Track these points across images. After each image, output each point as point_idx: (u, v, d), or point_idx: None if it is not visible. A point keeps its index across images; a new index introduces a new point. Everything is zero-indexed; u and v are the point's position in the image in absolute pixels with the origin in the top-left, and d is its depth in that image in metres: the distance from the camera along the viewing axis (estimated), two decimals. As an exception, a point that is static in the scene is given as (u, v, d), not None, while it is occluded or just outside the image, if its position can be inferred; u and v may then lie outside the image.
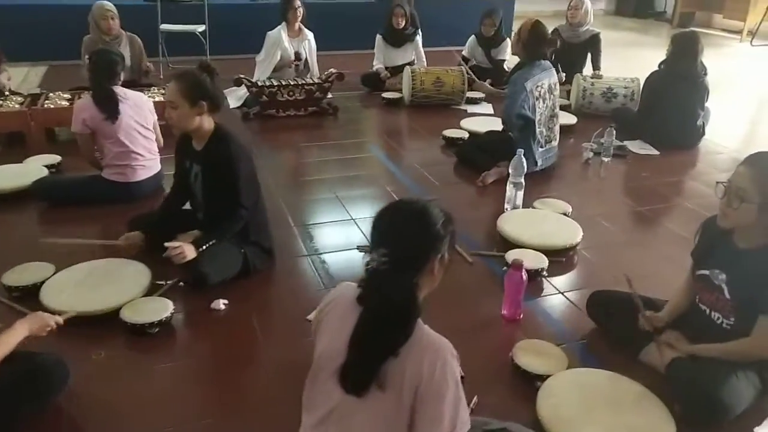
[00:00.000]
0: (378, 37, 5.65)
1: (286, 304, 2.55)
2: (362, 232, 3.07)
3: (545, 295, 2.59)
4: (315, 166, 4.01)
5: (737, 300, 1.93)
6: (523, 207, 3.26)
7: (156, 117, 3.53)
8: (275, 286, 2.67)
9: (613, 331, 2.27)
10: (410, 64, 5.68)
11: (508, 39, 5.69)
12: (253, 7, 7.10)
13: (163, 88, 4.54)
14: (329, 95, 5.31)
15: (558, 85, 3.83)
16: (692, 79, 4.25)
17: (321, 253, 2.89)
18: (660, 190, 3.70)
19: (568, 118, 4.77)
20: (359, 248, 2.89)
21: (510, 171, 3.24)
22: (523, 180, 3.23)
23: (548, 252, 2.79)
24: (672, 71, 4.29)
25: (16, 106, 4.11)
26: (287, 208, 3.32)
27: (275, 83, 4.76)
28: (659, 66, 4.40)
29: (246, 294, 2.53)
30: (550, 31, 5.27)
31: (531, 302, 2.52)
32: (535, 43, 3.64)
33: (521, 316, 2.41)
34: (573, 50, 5.40)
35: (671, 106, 4.28)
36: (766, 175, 1.80)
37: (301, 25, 5.15)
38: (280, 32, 5.07)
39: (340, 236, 3.09)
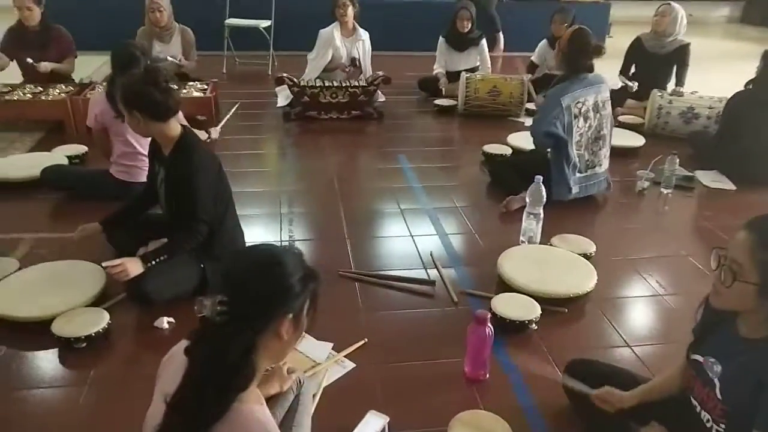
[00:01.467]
0: (440, 39, 5.32)
1: None
2: (349, 255, 2.81)
3: (528, 353, 2.20)
4: (328, 174, 3.75)
5: (729, 404, 1.48)
6: (540, 242, 2.86)
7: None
8: None
9: (586, 415, 1.85)
10: (474, 70, 5.31)
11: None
12: (321, 2, 6.95)
13: (207, 84, 4.51)
14: (381, 98, 5.09)
15: (609, 102, 3.34)
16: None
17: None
18: (725, 235, 3.12)
19: (635, 140, 4.22)
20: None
21: (527, 199, 2.84)
22: (541, 211, 2.82)
23: (547, 300, 2.39)
24: (759, 93, 3.65)
25: (62, 95, 4.21)
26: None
27: (318, 84, 4.58)
28: (745, 86, 3.77)
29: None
30: (633, 39, 4.93)
31: (506, 359, 2.15)
32: (576, 54, 3.19)
33: (486, 376, 2.05)
34: (656, 62, 4.79)
35: (754, 133, 3.65)
36: None
37: (355, 23, 4.94)
38: (333, 31, 4.88)
39: (321, 255, 2.84)
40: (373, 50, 5.58)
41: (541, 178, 2.81)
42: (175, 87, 2.44)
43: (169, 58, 4.60)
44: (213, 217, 2.40)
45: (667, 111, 4.41)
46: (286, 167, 3.91)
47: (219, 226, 2.45)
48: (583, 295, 2.46)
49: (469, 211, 3.28)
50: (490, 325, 1.98)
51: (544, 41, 5.29)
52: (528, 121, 4.71)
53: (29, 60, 4.32)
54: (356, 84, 4.61)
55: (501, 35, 7.17)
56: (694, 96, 4.47)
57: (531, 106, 4.88)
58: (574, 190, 3.27)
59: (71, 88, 4.36)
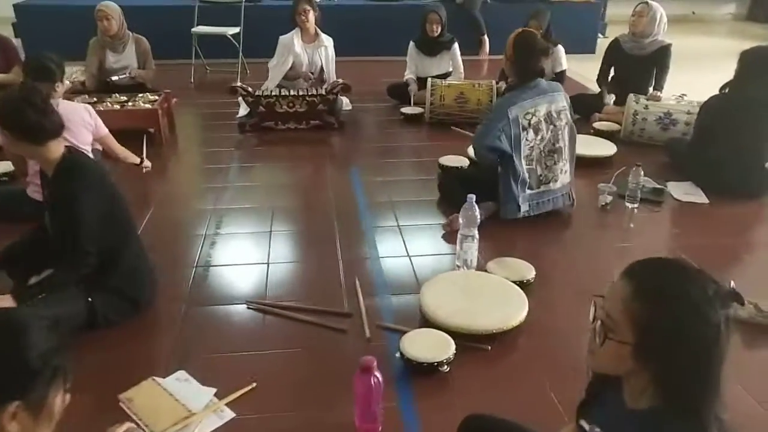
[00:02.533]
0: (411, 44, 5.07)
1: (108, 375, 2.07)
2: (266, 282, 2.58)
3: (435, 401, 1.95)
4: (269, 191, 3.50)
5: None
6: (478, 267, 2.61)
7: (106, 131, 3.27)
8: (115, 347, 2.20)
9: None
10: (446, 75, 5.07)
11: (560, 45, 4.89)
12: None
13: (159, 94, 4.32)
14: (348, 107, 4.88)
15: (567, 111, 3.07)
16: (760, 109, 3.30)
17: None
18: (695, 256, 2.82)
19: (606, 148, 3.94)
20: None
21: (460, 220, 2.58)
22: (476, 233, 2.56)
23: (470, 336, 2.14)
24: (735, 96, 3.36)
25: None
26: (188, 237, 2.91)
27: (274, 93, 4.36)
28: (721, 89, 3.47)
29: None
30: (611, 40, 4.64)
31: (409, 408, 1.90)
32: (523, 57, 2.94)
33: (379, 429, 1.80)
34: (635, 65, 4.50)
35: (730, 140, 3.35)
36: (651, 298, 1.09)
37: (317, 29, 4.72)
38: (293, 37, 4.66)
39: (234, 282, 2.61)
40: (342, 55, 5.34)
41: (473, 197, 2.55)
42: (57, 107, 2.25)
43: (117, 77, 4.43)
44: (105, 247, 2.20)
45: (643, 117, 4.12)
46: (225, 183, 3.65)
47: (114, 256, 2.24)
48: (512, 329, 2.20)
49: (411, 231, 3.03)
50: (377, 373, 1.73)
51: (520, 44, 5.02)
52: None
53: None
54: (314, 93, 4.38)
55: (486, 38, 6.91)
56: (672, 101, 4.18)
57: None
58: (524, 208, 3.01)
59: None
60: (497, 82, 4.90)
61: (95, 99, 4.25)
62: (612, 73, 4.75)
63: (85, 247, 2.13)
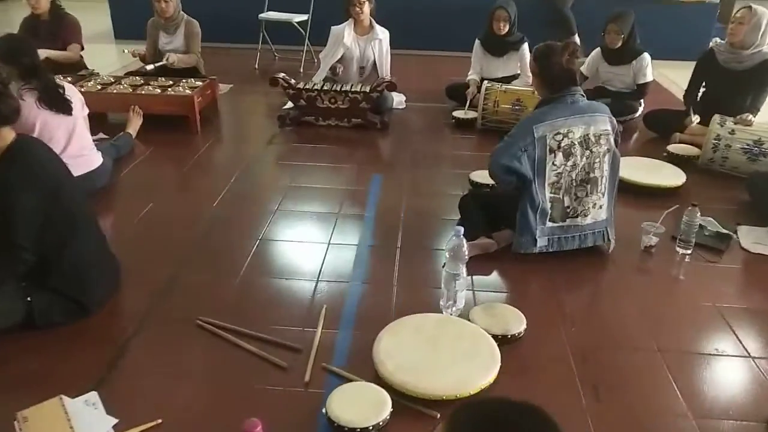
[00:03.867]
0: (476, 42, 4.67)
1: (24, 385, 1.92)
2: (228, 298, 2.37)
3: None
4: (276, 194, 3.26)
5: None
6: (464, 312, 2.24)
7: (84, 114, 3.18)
8: (47, 353, 2.05)
9: None
10: (513, 78, 4.63)
11: (646, 54, 4.30)
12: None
13: (204, 80, 4.24)
14: (401, 106, 4.59)
15: (610, 137, 2.59)
16: None
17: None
18: (737, 323, 2.31)
19: (672, 177, 3.37)
20: None
21: (446, 254, 2.22)
22: (463, 271, 2.20)
23: (418, 399, 1.81)
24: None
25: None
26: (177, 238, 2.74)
27: (316, 87, 4.14)
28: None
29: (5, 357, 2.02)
30: (704, 52, 4.00)
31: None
32: (546, 66, 2.52)
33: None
34: (730, 80, 3.84)
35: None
36: None
37: (372, 21, 4.44)
38: (345, 28, 4.41)
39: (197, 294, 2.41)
40: (408, 48, 5.04)
41: (461, 229, 2.18)
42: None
43: (152, 66, 4.38)
44: (46, 243, 2.07)
45: (726, 143, 3.50)
46: (237, 183, 3.44)
47: (55, 256, 2.12)
48: (467, 397, 1.83)
49: (409, 255, 2.69)
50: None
51: (598, 50, 4.47)
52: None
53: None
54: (357, 90, 4.11)
55: (577, 38, 6.29)
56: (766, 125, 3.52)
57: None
58: (541, 242, 2.59)
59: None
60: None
61: (142, 81, 4.24)
62: (703, 88, 4.10)
63: (19, 240, 2.01)
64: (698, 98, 4.09)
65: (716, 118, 3.59)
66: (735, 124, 3.53)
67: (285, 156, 3.83)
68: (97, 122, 3.91)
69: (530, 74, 4.51)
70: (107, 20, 6.72)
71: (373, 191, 3.32)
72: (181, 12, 4.50)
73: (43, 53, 4.24)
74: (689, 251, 2.74)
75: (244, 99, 4.85)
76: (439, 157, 3.87)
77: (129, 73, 4.54)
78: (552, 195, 2.57)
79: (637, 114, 4.38)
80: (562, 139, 2.51)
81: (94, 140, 3.73)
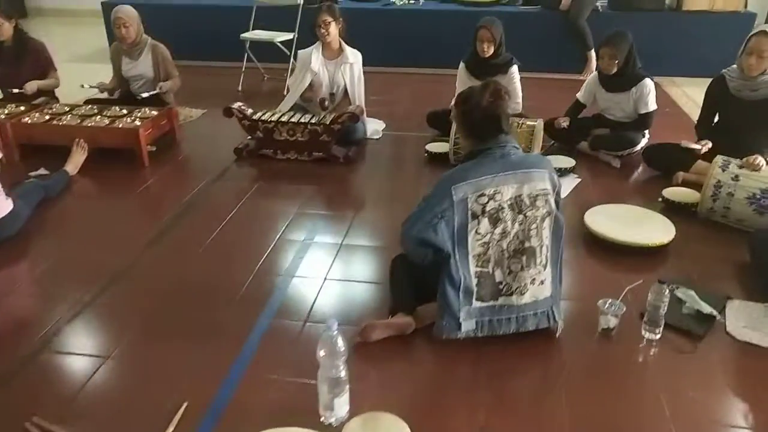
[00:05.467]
0: (460, 65, 4.22)
1: None
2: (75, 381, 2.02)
3: None
4: (195, 242, 2.92)
5: None
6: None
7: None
8: None
9: None
10: (502, 103, 4.15)
11: (648, 80, 3.75)
12: (359, 12, 6.06)
13: (161, 109, 3.96)
14: (376, 135, 4.21)
15: (549, 197, 2.13)
16: None
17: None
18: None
19: (659, 232, 2.84)
20: None
21: (319, 353, 1.81)
22: (341, 372, 1.79)
23: None
24: None
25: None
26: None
27: (272, 118, 3.78)
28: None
29: None
30: (715, 77, 3.44)
31: None
32: (469, 115, 2.10)
33: None
34: (743, 111, 3.28)
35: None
36: None
37: (341, 43, 4.06)
38: (312, 52, 4.05)
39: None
40: (396, 66, 4.60)
41: (335, 321, 1.77)
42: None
43: (147, 93, 4.15)
44: None
45: (729, 191, 2.94)
46: (150, 229, 3.11)
47: None
48: None
49: (310, 331, 2.29)
50: None
51: (594, 74, 3.95)
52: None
53: (15, 90, 4.15)
54: (316, 122, 3.73)
55: (593, 54, 5.74)
56: (780, 172, 2.94)
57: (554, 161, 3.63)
58: (467, 326, 2.13)
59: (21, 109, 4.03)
60: (557, 120, 3.91)
61: (95, 111, 3.99)
62: (716, 120, 3.53)
63: None
64: (710, 130, 3.53)
65: (718, 159, 3.03)
66: (740, 168, 2.97)
67: (225, 197, 3.43)
68: (40, 156, 3.71)
69: (519, 100, 4.14)
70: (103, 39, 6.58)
71: (306, 242, 2.92)
72: (145, 36, 4.24)
73: (32, 85, 4.12)
74: (657, 336, 2.24)
75: (212, 126, 4.54)
76: (402, 197, 3.43)
77: (89, 101, 4.30)
78: (479, 269, 2.12)
79: (639, 147, 3.83)
80: (488, 202, 2.07)
81: (33, 176, 3.53)
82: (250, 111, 3.82)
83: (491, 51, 3.97)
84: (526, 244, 2.12)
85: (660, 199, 3.24)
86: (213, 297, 2.52)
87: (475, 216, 2.07)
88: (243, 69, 5.45)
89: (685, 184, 3.41)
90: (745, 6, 5.67)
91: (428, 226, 2.05)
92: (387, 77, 5.78)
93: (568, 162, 3.66)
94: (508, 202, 2.08)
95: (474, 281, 2.12)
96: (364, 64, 4.03)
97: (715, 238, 2.94)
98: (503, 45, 4.04)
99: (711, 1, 5.57)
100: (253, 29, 5.44)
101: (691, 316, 2.33)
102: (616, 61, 3.64)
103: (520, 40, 5.65)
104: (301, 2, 5.28)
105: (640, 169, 3.76)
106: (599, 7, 5.74)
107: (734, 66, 3.31)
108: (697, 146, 3.35)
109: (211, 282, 2.63)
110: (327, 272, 2.69)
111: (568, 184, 3.52)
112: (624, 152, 3.79)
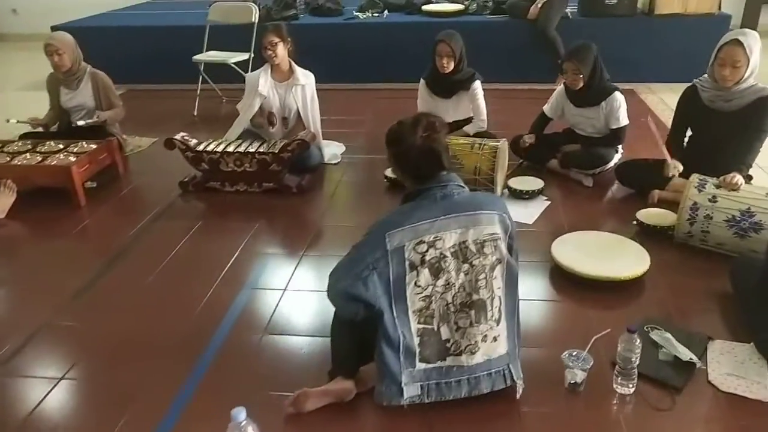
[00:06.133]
0: (421, 83, 3.97)
1: None
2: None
3: None
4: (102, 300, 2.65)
5: None
6: None
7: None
8: None
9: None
10: (466, 122, 3.91)
11: (617, 93, 3.50)
12: (322, 28, 5.81)
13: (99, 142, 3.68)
14: (335, 160, 3.95)
15: (500, 242, 1.87)
16: None
17: None
18: None
19: (632, 263, 2.58)
20: None
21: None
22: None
23: None
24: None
25: None
26: None
27: (218, 149, 3.51)
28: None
29: None
30: (686, 88, 3.21)
31: None
32: (404, 154, 1.86)
33: None
34: (718, 123, 3.04)
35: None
36: None
37: (292, 64, 3.80)
38: (260, 75, 3.78)
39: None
40: (361, 82, 4.30)
41: (242, 412, 1.49)
42: None
43: (84, 122, 3.86)
44: None
45: (706, 213, 2.69)
46: (86, 290, 2.82)
47: None
48: None
49: (248, 390, 2.01)
50: None
51: (561, 88, 3.70)
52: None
53: None
54: (264, 150, 3.47)
55: (565, 63, 5.52)
56: (762, 192, 2.69)
57: (519, 184, 3.39)
58: (410, 391, 1.86)
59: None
60: (521, 138, 3.67)
61: (29, 146, 3.70)
62: (689, 133, 3.30)
63: None
64: (685, 145, 3.30)
65: (694, 179, 2.79)
66: (717, 188, 2.72)
67: (163, 238, 3.12)
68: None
69: (484, 117, 3.89)
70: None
71: (244, 296, 2.64)
72: (84, 63, 3.97)
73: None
74: (631, 389, 1.98)
75: (161, 157, 4.22)
76: (357, 231, 3.14)
77: (25, 135, 4.00)
78: (421, 326, 1.85)
79: (612, 163, 3.59)
80: (428, 250, 1.80)
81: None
82: (194, 141, 3.55)
83: (451, 66, 3.72)
84: (474, 297, 1.85)
85: (635, 222, 2.99)
86: (144, 349, 2.26)
87: (413, 266, 1.81)
88: (198, 92, 5.17)
89: (661, 203, 3.16)
90: (719, 8, 5.46)
91: (358, 279, 1.78)
92: (351, 94, 5.54)
93: (535, 184, 3.40)
94: (451, 250, 1.82)
95: (416, 340, 1.85)
96: (327, 81, 3.76)
97: (694, 266, 2.70)
98: (464, 59, 3.79)
99: (684, 4, 5.36)
100: (207, 50, 5.17)
101: (668, 364, 2.08)
102: (581, 75, 3.40)
103: (488, 51, 5.48)
104: (256, 20, 5.01)
105: (615, 187, 3.51)
106: (569, 14, 5.52)
107: (706, 75, 3.07)
108: (673, 171, 3.09)
109: (142, 334, 2.36)
110: (266, 324, 2.42)
111: (537, 207, 3.27)
112: (596, 170, 3.54)
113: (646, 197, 3.24)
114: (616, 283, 2.51)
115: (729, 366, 2.07)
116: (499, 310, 1.90)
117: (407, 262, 1.80)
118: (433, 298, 1.84)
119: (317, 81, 3.89)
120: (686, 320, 2.35)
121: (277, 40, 3.64)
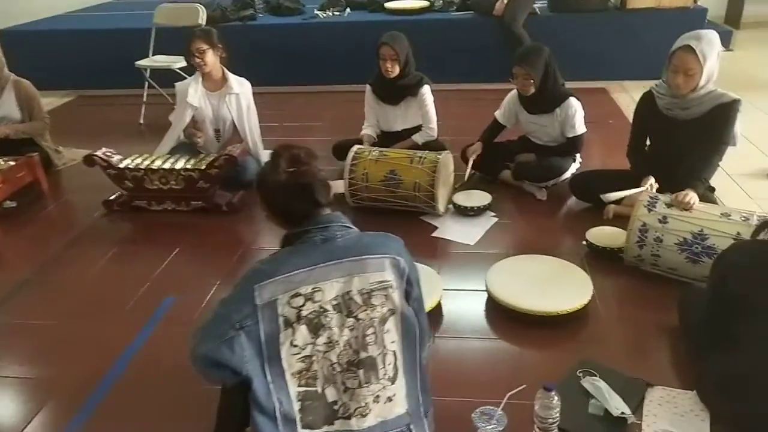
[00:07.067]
0: (367, 88, 3.70)
1: None
2: None
3: None
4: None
5: None
6: None
7: None
8: None
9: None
10: (417, 129, 3.65)
11: (573, 99, 3.24)
12: (279, 29, 5.54)
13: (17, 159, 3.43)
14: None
15: (394, 291, 1.61)
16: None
17: None
18: None
19: (573, 294, 2.32)
20: None
21: None
22: None
23: None
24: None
25: None
26: None
27: (142, 165, 3.25)
28: (755, 233, 1.79)
29: None
30: (643, 94, 2.95)
31: None
32: (272, 197, 1.61)
33: None
34: (676, 132, 2.78)
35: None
36: None
37: (225, 71, 3.53)
38: (190, 84, 3.52)
39: None
40: (321, 84, 3.96)
41: None
42: None
43: None
44: None
45: (656, 236, 2.43)
46: None
47: None
48: None
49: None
50: None
51: (514, 93, 3.43)
52: (450, 225, 3.03)
53: None
54: (190, 167, 3.21)
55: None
56: (715, 212, 2.43)
57: (464, 200, 3.13)
58: (291, 465, 1.61)
59: None
60: (467, 149, 3.42)
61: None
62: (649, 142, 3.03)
63: None
64: (643, 156, 3.03)
65: (644, 198, 2.53)
66: (669, 207, 2.46)
67: (75, 266, 2.85)
68: None
69: (433, 125, 3.63)
70: None
71: (146, 333, 2.39)
72: (7, 72, 3.72)
73: None
74: (557, 457, 1.73)
75: (93, 172, 3.96)
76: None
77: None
78: (302, 389, 1.59)
79: (568, 174, 3.33)
80: (304, 304, 1.55)
81: None
82: (116, 158, 3.29)
83: (396, 70, 3.46)
84: (363, 355, 1.60)
85: (584, 242, 2.74)
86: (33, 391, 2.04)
87: (288, 323, 1.55)
88: (144, 99, 4.91)
89: (618, 218, 2.90)
90: (695, 1, 5.18)
91: (221, 341, 1.53)
92: (310, 98, 5.29)
93: (482, 199, 3.15)
94: (333, 303, 1.57)
95: (296, 405, 1.59)
96: (284, 84, 3.46)
97: (644, 294, 2.44)
98: (411, 63, 3.52)
99: (657, -3, 5.09)
100: (154, 54, 4.91)
101: (597, 419, 1.83)
102: (532, 81, 3.13)
103: (454, 50, 5.24)
104: (203, 22, 4.74)
105: (571, 200, 3.25)
106: (536, 11, 5.23)
107: (662, 81, 2.81)
108: (641, 189, 2.80)
109: (35, 373, 2.13)
110: (166, 363, 2.17)
111: (483, 225, 3.02)
112: (550, 183, 3.29)
113: (603, 211, 2.99)
114: (554, 317, 2.26)
115: (667, 419, 1.82)
116: (394, 366, 1.64)
117: (281, 319, 1.55)
118: (314, 358, 1.58)
119: (273, 84, 3.64)
120: (629, 360, 2.10)
121: (205, 46, 3.37)
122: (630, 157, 3.03)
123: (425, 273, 2.46)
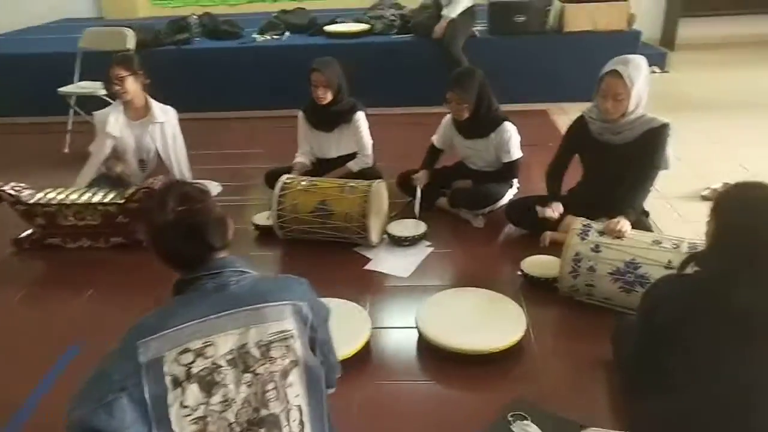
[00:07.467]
0: (299, 115, 3.57)
1: None
2: None
3: None
4: None
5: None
6: None
7: None
8: None
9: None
10: (352, 157, 3.52)
11: (507, 124, 3.17)
12: (217, 53, 5.37)
13: None
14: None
15: (295, 340, 1.46)
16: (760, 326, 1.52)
17: None
18: None
19: (505, 329, 2.22)
20: None
21: None
22: None
23: None
24: (713, 289, 1.60)
25: None
26: None
27: (55, 200, 3.04)
28: (682, 266, 1.72)
29: None
30: (575, 119, 2.90)
31: None
32: (160, 239, 1.47)
33: None
34: (608, 158, 2.73)
35: (703, 379, 1.58)
36: None
37: (148, 99, 3.35)
38: (110, 113, 3.33)
39: None
40: (261, 110, 3.81)
41: None
42: None
43: None
44: None
45: (589, 265, 2.36)
46: None
47: None
48: None
49: None
50: None
51: (449, 117, 3.36)
52: (384, 256, 2.90)
53: None
54: (107, 201, 3.01)
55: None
56: (646, 239, 2.37)
57: (397, 230, 3.02)
58: None
59: None
60: (410, 174, 3.32)
61: None
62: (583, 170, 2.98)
63: None
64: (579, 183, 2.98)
65: (577, 225, 2.46)
66: (601, 234, 2.39)
67: None
68: None
69: (369, 152, 3.51)
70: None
71: (41, 390, 2.17)
72: None
73: None
74: None
75: (3, 208, 3.74)
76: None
77: None
78: (191, 455, 1.43)
79: (505, 199, 3.25)
80: (195, 361, 1.39)
81: None
82: (26, 192, 3.07)
83: (328, 97, 3.34)
84: (264, 413, 1.44)
85: (519, 273, 2.65)
86: None
87: (177, 383, 1.38)
88: (70, 127, 4.67)
89: (553, 246, 2.82)
90: (630, 24, 5.24)
91: (99, 405, 1.35)
92: (246, 124, 5.12)
93: (417, 228, 3.04)
94: (228, 357, 1.41)
95: (185, 472, 1.43)
96: (220, 109, 3.27)
97: (579, 326, 2.36)
98: (343, 89, 3.41)
99: (593, 21, 5.13)
100: (80, 80, 4.68)
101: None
102: (466, 105, 3.06)
103: (394, 73, 5.17)
104: (132, 47, 4.54)
105: (508, 227, 3.17)
106: (476, 33, 5.22)
107: (594, 105, 2.76)
108: (551, 214, 2.78)
109: None
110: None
111: (417, 256, 2.91)
112: (486, 209, 3.20)
113: (539, 238, 2.91)
114: (486, 355, 2.14)
115: (598, 466, 1.72)
116: (300, 423, 1.49)
117: (168, 378, 1.38)
118: (209, 419, 1.42)
119: (209, 109, 3.46)
120: (562, 399, 2.00)
121: (124, 73, 3.20)
122: (548, 177, 2.97)
123: (353, 312, 2.33)
